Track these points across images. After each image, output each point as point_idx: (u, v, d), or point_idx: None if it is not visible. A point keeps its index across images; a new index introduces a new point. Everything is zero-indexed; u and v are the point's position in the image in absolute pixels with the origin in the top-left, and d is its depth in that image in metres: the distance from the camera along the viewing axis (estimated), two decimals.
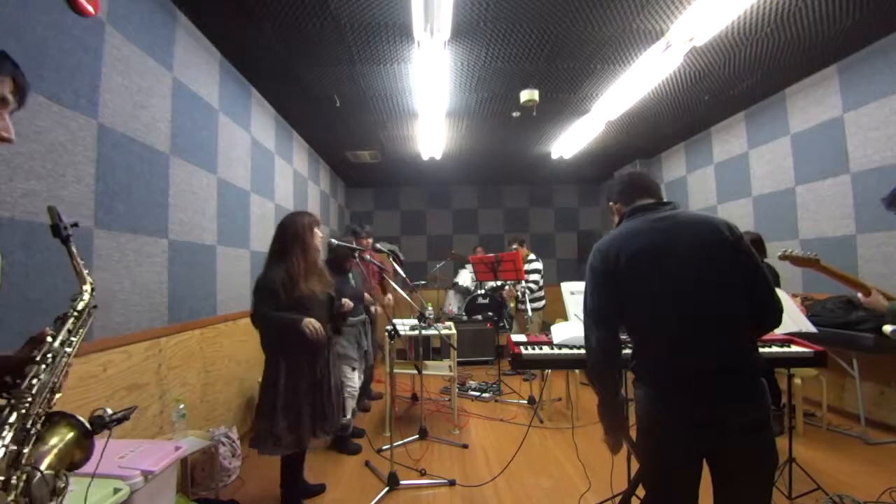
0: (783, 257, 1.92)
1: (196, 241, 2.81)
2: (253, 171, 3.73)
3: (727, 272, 1.25)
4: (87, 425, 0.79)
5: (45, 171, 1.69)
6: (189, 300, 2.71)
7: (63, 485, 0.74)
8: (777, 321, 1.31)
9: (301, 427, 2.12)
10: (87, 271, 0.94)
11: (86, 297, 0.91)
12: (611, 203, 1.54)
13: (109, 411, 0.84)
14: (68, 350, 0.84)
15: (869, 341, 2.89)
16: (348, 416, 3.00)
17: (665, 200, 1.42)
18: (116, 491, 1.37)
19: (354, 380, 3.05)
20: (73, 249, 0.91)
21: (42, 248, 1.68)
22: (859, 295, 1.79)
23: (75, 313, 0.89)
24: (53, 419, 0.78)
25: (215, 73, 3.12)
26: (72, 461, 0.78)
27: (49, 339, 0.83)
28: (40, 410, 0.75)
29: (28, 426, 0.72)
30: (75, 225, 0.91)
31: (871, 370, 3.21)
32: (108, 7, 2.05)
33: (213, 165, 3.06)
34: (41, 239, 1.68)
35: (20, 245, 1.60)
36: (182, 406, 2.30)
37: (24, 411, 0.72)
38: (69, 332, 0.86)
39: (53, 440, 0.76)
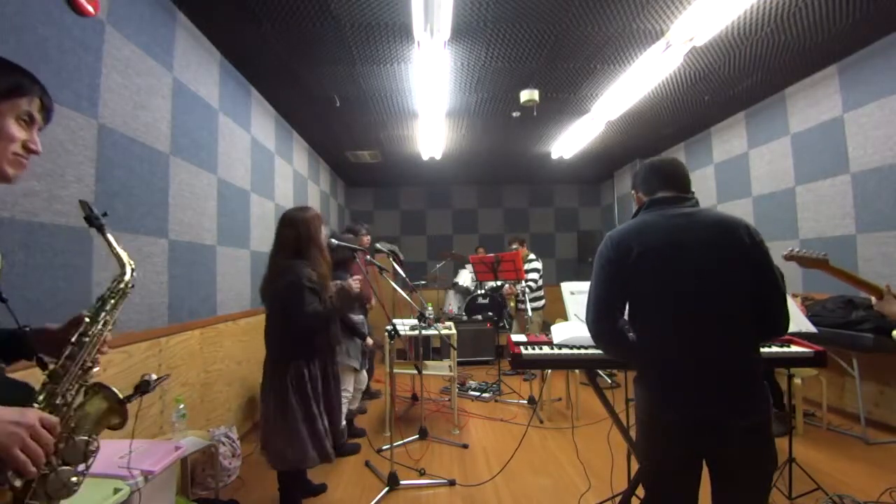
0: (789, 257, 1.78)
1: (196, 241, 2.81)
2: (253, 171, 3.73)
3: (737, 276, 1.24)
4: (120, 395, 0.91)
5: (44, 171, 1.69)
6: (189, 300, 2.71)
7: (94, 447, 0.86)
8: (783, 331, 1.31)
9: (315, 439, 2.09)
10: (125, 253, 1.00)
11: (126, 276, 0.99)
12: (633, 191, 1.52)
13: (154, 376, 1.03)
14: (102, 328, 0.92)
15: (869, 341, 2.89)
16: (342, 423, 2.99)
17: (687, 195, 1.39)
18: (116, 491, 1.37)
19: (351, 384, 3.04)
20: (110, 236, 0.97)
21: (42, 248, 1.68)
22: (872, 298, 1.72)
23: (115, 294, 0.97)
24: (93, 390, 0.90)
25: (215, 73, 3.12)
26: (110, 425, 0.91)
27: (87, 320, 0.91)
28: (71, 387, 0.85)
29: (58, 402, 0.82)
30: (105, 214, 0.97)
31: (871, 370, 3.21)
32: (108, 7, 2.05)
33: (213, 165, 3.06)
34: (41, 239, 1.68)
35: (20, 245, 1.60)
36: (182, 406, 2.30)
37: (53, 390, 0.82)
38: (107, 311, 0.94)
39: (91, 409, 0.88)
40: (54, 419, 0.76)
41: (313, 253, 2.14)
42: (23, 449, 0.69)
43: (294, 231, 2.17)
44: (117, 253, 0.99)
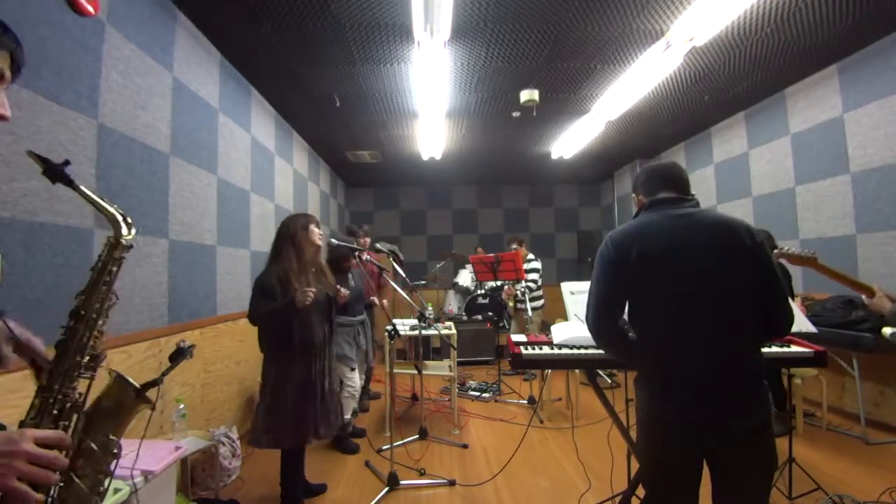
0: (779, 255, 1.87)
1: (196, 241, 2.81)
2: (253, 171, 3.73)
3: (738, 276, 1.24)
4: (137, 385, 0.86)
5: None
6: (189, 300, 2.71)
7: (116, 449, 0.82)
8: (786, 331, 1.30)
9: (282, 428, 2.12)
10: (113, 207, 0.84)
11: (126, 234, 0.84)
12: (634, 194, 1.53)
13: (187, 342, 1.01)
14: (100, 307, 0.82)
15: (869, 341, 2.89)
16: (348, 416, 3.00)
17: (688, 196, 1.39)
18: (116, 491, 1.37)
19: (354, 379, 3.05)
20: (84, 188, 0.80)
21: (42, 248, 1.68)
22: (864, 297, 1.76)
23: (111, 262, 0.83)
24: (109, 382, 0.84)
25: (215, 73, 3.12)
26: (132, 415, 0.87)
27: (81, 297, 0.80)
28: (71, 387, 0.76)
29: (56, 411, 0.74)
30: (67, 162, 0.79)
31: (871, 370, 3.21)
32: (108, 7, 2.05)
33: (213, 165, 3.06)
34: (41, 239, 1.68)
35: (20, 245, 1.60)
36: (182, 406, 2.30)
37: (45, 399, 0.74)
38: (106, 283, 0.82)
39: (109, 403, 0.83)
40: (55, 434, 0.68)
41: (286, 250, 2.22)
42: (21, 478, 0.62)
43: (276, 236, 2.30)
44: (102, 207, 0.83)
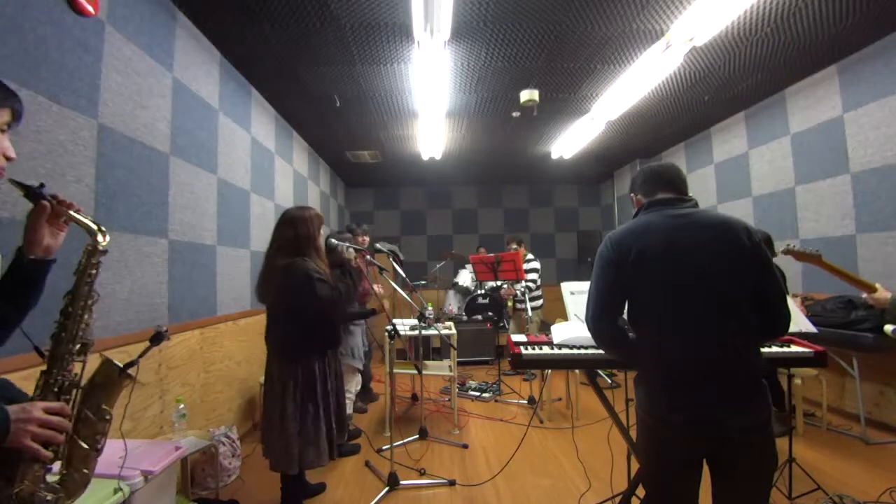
0: (786, 252, 1.96)
1: (196, 241, 2.81)
2: (253, 171, 3.73)
3: (737, 276, 1.24)
4: (120, 366, 1.01)
5: (45, 171, 1.69)
6: (189, 300, 2.71)
7: (108, 416, 0.98)
8: (784, 331, 1.31)
9: (320, 438, 2.09)
10: (87, 218, 0.99)
11: (101, 241, 0.99)
12: (632, 195, 1.53)
13: (164, 327, 1.16)
14: (85, 303, 0.97)
15: (869, 341, 2.89)
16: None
17: (686, 197, 1.39)
18: (116, 491, 1.37)
19: (352, 385, 3.04)
20: (55, 203, 0.96)
21: None
22: (864, 295, 1.81)
23: (92, 265, 0.99)
24: (100, 364, 1.00)
25: (215, 73, 3.12)
26: (120, 389, 1.02)
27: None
28: (68, 370, 0.91)
29: (57, 389, 0.89)
30: (42, 185, 0.95)
31: (871, 370, 3.21)
32: (108, 7, 2.05)
33: (213, 165, 3.06)
34: None
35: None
36: (182, 406, 2.30)
37: (47, 379, 0.89)
38: (87, 283, 0.98)
39: (100, 380, 0.99)
40: (58, 404, 0.85)
41: (311, 253, 2.14)
42: (34, 438, 0.77)
43: (293, 230, 2.17)
44: (79, 220, 0.98)
